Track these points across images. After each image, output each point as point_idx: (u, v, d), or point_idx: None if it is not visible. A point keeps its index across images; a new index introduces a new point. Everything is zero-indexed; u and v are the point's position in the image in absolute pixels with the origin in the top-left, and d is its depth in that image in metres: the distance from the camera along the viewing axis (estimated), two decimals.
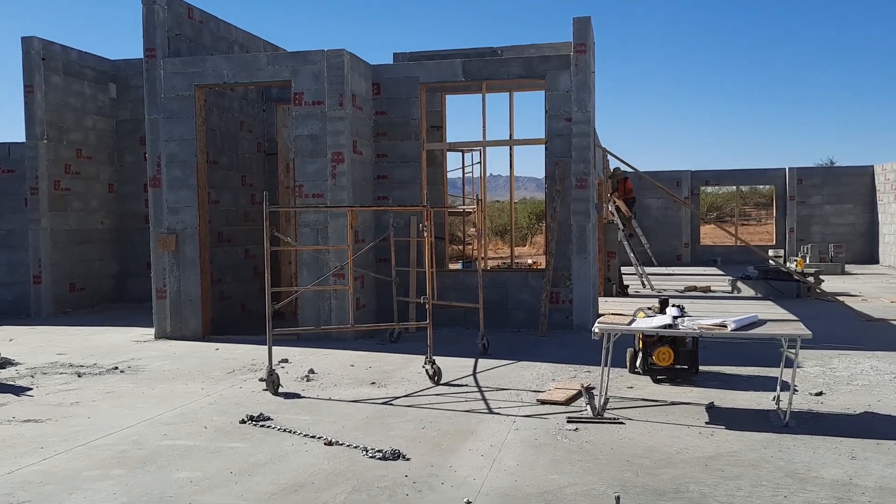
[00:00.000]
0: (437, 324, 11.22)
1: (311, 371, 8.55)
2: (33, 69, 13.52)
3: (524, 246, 34.06)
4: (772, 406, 6.67)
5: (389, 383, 7.99)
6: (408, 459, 5.43)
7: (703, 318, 6.87)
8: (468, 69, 11.45)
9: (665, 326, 6.47)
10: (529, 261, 21.30)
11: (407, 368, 8.74)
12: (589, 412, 6.50)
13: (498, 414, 6.66)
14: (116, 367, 8.99)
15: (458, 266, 16.45)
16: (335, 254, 10.70)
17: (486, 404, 7.02)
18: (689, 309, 8.09)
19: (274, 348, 10.15)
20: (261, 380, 8.17)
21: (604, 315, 7.52)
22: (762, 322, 6.57)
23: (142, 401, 7.39)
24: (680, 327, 6.45)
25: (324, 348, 10.09)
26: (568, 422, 6.28)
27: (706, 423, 6.26)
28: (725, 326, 6.20)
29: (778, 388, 6.80)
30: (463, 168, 14.39)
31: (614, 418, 6.35)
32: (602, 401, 6.56)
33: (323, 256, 10.75)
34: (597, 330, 6.51)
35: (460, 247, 20.94)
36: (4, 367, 8.93)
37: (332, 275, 10.66)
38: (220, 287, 12.34)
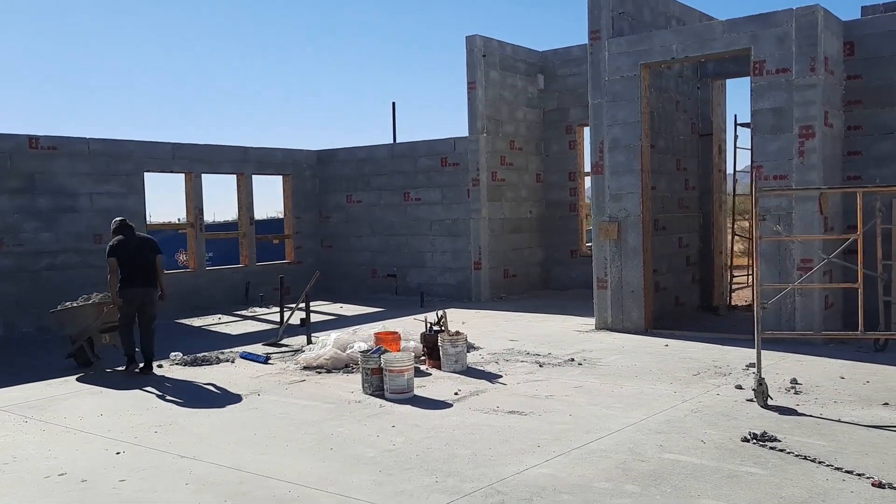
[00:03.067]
0: None
1: (795, 381, 7.36)
2: (475, 66, 14.26)
3: None
4: None
5: None
6: None
7: None
8: None
9: None
10: None
11: None
12: None
13: None
14: (572, 359, 8.79)
15: None
16: (799, 244, 9.30)
17: None
18: None
19: (725, 348, 9.23)
20: (737, 387, 7.26)
21: None
22: None
23: (615, 400, 6.95)
24: None
25: (789, 352, 8.78)
26: None
27: None
28: None
29: None
30: None
31: None
32: None
33: (787, 246, 9.40)
34: None
35: None
36: (470, 351, 9.29)
37: (798, 269, 9.31)
38: (655, 278, 11.65)
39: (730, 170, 14.00)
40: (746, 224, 16.69)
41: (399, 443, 5.89)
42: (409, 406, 6.99)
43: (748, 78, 12.96)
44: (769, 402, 6.59)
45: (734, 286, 13.90)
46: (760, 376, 6.62)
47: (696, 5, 12.76)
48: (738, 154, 13.41)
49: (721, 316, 12.54)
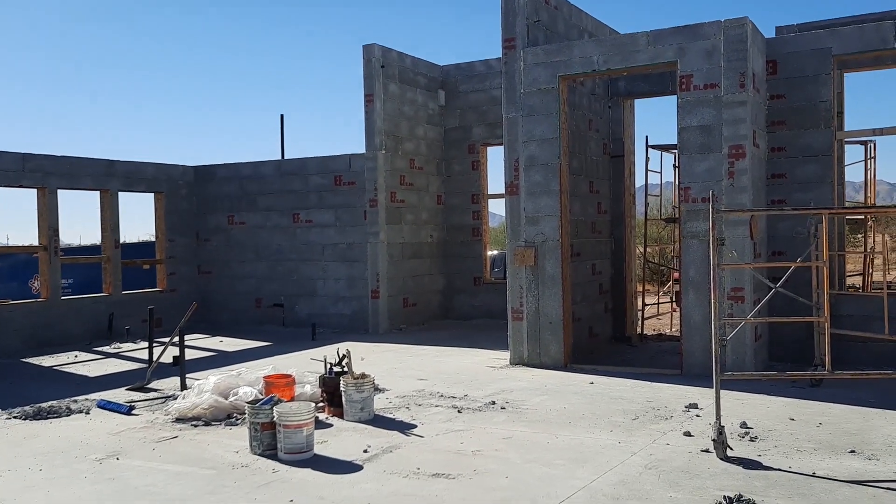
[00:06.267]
0: (853, 363, 8.78)
1: (745, 425, 6.61)
2: (373, 77, 13.16)
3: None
4: None
5: (878, 453, 5.78)
6: None
7: None
8: None
9: None
10: None
11: (879, 429, 6.45)
12: None
13: None
14: (493, 402, 7.74)
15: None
16: (729, 272, 8.70)
17: None
18: None
19: (655, 385, 8.45)
20: (686, 434, 6.42)
21: None
22: None
23: (553, 454, 5.93)
24: None
25: (723, 389, 8.02)
26: None
27: None
28: None
29: None
30: (866, 162, 11.65)
31: None
32: None
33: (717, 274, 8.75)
34: None
35: None
36: (375, 394, 8.06)
37: (729, 298, 8.69)
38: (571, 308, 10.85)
39: (640, 193, 13.53)
40: (655, 249, 16.32)
41: None
42: (309, 470, 5.71)
43: (658, 98, 12.65)
44: (728, 452, 5.76)
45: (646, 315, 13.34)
46: (720, 424, 5.76)
47: (609, 23, 12.20)
48: (649, 177, 12.91)
49: (635, 347, 11.89)
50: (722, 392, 7.81)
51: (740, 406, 7.37)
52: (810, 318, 6.42)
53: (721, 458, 5.70)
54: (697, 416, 7.04)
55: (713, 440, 5.75)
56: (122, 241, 14.10)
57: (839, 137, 9.40)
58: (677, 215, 14.71)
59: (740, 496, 4.81)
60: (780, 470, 5.43)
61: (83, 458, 6.15)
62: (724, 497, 4.79)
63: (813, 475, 5.30)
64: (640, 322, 12.81)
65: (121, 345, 12.62)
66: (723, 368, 8.65)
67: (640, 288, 13.60)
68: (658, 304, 14.35)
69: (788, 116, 9.48)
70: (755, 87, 8.90)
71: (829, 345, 5.87)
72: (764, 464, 5.58)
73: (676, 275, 17.34)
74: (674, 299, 15.60)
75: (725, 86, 8.66)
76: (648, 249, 16.23)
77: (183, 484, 5.45)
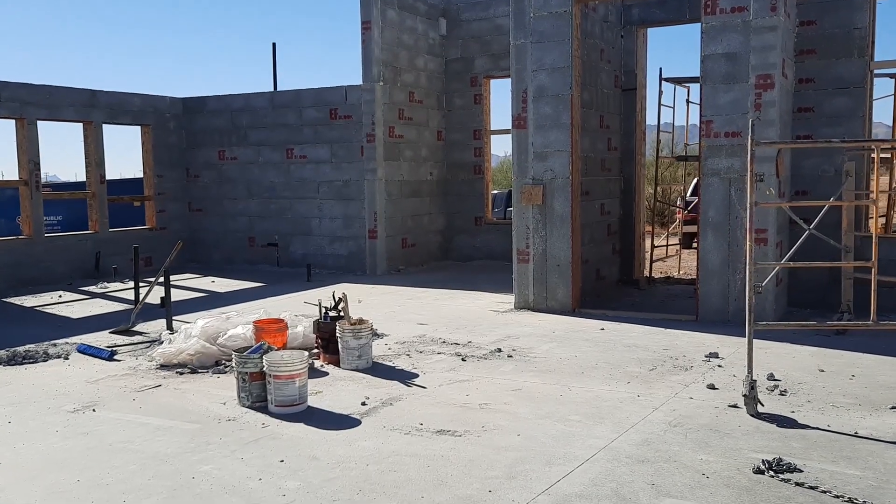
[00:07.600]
0: (877, 310, 8.28)
1: (773, 377, 6.13)
2: (371, 3, 12.31)
3: None
4: None
5: None
6: None
7: None
8: None
9: None
10: None
11: None
12: None
13: None
14: (499, 350, 7.25)
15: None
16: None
17: None
18: None
19: (670, 332, 7.96)
20: (710, 387, 5.94)
21: None
22: None
23: (568, 409, 5.46)
24: None
25: (737, 336, 7.59)
26: None
27: None
28: None
29: None
30: None
31: None
32: None
33: (738, 215, 8.20)
34: None
35: None
36: (374, 339, 7.58)
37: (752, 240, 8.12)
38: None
39: (650, 131, 12.86)
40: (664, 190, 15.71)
41: (292, 490, 4.14)
42: (301, 425, 5.23)
43: (674, 28, 11.88)
44: (759, 408, 5.28)
45: (654, 258, 12.81)
46: (752, 378, 5.28)
47: None
48: (662, 112, 12.20)
49: (643, 290, 11.41)
50: (733, 338, 7.40)
51: (764, 356, 6.87)
52: (857, 263, 5.90)
53: (751, 415, 5.22)
54: (719, 366, 6.57)
55: (744, 395, 5.26)
56: (116, 177, 13.46)
57: (872, 68, 8.70)
58: (687, 153, 14.11)
59: (780, 460, 4.34)
60: (818, 429, 4.96)
61: (57, 410, 5.67)
62: (763, 461, 4.31)
63: (855, 435, 4.83)
64: (648, 264, 12.30)
65: (108, 284, 12.10)
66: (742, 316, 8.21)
67: (648, 229, 13.04)
68: (667, 245, 13.81)
69: (819, 45, 8.78)
70: (786, 12, 8.18)
71: (876, 292, 5.33)
72: (799, 422, 5.11)
73: (680, 214, 16.82)
74: (681, 241, 15.08)
75: (755, 9, 7.93)
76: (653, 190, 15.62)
77: (163, 440, 4.97)
